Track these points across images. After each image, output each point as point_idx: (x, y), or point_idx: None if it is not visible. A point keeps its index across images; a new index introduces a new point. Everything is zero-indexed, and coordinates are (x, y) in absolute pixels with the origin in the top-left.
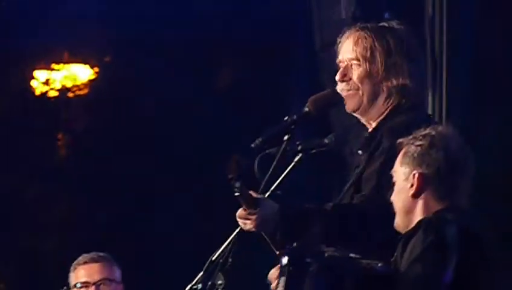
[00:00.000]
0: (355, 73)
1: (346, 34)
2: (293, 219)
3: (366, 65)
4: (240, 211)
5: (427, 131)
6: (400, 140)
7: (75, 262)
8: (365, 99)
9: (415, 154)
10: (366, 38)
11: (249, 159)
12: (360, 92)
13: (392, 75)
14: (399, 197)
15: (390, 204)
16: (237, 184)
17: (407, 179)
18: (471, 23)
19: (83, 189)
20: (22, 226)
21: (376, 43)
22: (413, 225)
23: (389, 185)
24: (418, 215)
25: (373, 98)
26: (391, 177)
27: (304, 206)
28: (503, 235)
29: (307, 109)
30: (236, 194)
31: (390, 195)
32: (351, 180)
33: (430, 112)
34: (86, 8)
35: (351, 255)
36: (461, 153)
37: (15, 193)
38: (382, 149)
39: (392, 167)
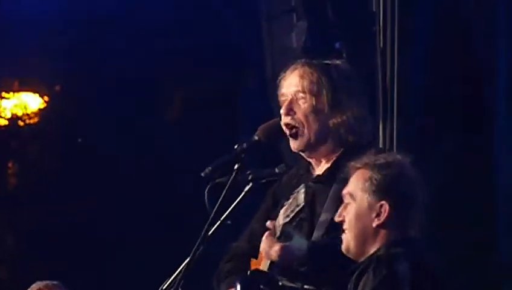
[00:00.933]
0: (301, 108)
1: (291, 68)
2: (320, 253)
3: (312, 100)
4: (268, 236)
5: (390, 159)
6: (354, 163)
7: None
8: (312, 137)
9: (383, 184)
10: (311, 74)
11: (199, 188)
12: (306, 130)
13: (338, 111)
14: (357, 224)
15: None
16: None
17: (371, 208)
18: (424, 51)
19: (32, 218)
20: None
21: (322, 79)
22: (367, 254)
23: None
24: (375, 245)
25: (320, 135)
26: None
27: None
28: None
29: (256, 138)
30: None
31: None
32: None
33: (381, 144)
34: (36, 36)
35: (306, 286)
36: (420, 185)
37: None
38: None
39: None
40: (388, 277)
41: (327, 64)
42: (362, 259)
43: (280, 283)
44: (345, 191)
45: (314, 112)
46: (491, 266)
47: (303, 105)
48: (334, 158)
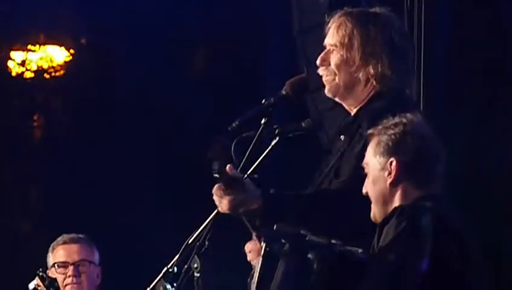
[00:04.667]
0: (334, 59)
1: (332, 19)
2: (274, 206)
3: (343, 52)
4: (217, 188)
5: (397, 120)
6: (369, 131)
7: (54, 242)
8: (342, 86)
9: (390, 143)
10: (346, 25)
11: (227, 141)
12: (337, 79)
13: (370, 63)
14: (375, 188)
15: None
16: (215, 165)
17: (383, 168)
18: (450, 13)
19: (57, 171)
20: None
21: (355, 31)
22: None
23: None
24: (396, 204)
25: (349, 85)
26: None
27: (284, 193)
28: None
29: (284, 92)
30: (215, 175)
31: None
32: (330, 164)
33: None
34: None
35: (332, 241)
36: (434, 140)
37: None
38: (361, 134)
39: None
40: (409, 228)
41: (367, 13)
42: None
43: (307, 238)
44: (364, 162)
45: (344, 64)
46: None
47: (335, 56)
48: (361, 105)
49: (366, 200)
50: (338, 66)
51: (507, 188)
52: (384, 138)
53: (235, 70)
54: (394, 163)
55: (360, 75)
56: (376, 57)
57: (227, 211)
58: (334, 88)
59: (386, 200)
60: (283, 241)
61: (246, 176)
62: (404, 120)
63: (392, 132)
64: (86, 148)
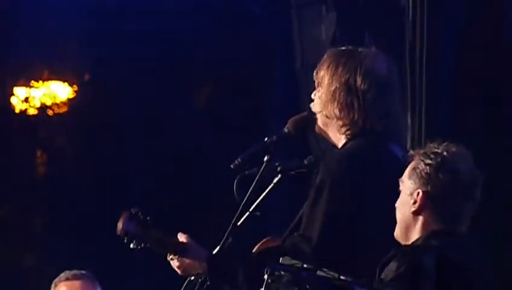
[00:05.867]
0: (316, 94)
1: (324, 56)
2: (219, 268)
3: (320, 90)
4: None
5: (440, 149)
6: (412, 152)
7: (57, 279)
8: (320, 123)
9: (423, 173)
10: (324, 65)
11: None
12: (318, 115)
13: (332, 104)
14: (401, 210)
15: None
16: (134, 243)
17: (411, 194)
18: (452, 44)
19: (61, 207)
20: None
21: (327, 71)
22: (410, 240)
23: (314, 223)
24: (416, 233)
25: (324, 125)
26: (317, 214)
27: (231, 253)
28: None
29: (286, 130)
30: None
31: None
32: (300, 212)
33: (409, 134)
34: (65, 25)
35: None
36: (469, 177)
37: None
38: (314, 185)
39: (318, 204)
40: (409, 270)
41: (344, 53)
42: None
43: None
44: (401, 178)
45: (320, 102)
46: None
47: (318, 93)
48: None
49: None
50: (315, 105)
51: None
52: (421, 165)
53: (238, 107)
54: (420, 194)
55: (329, 115)
56: (335, 98)
57: (181, 274)
58: (317, 126)
59: (407, 225)
60: (283, 273)
61: (248, 213)
62: (445, 152)
63: (428, 161)
64: (91, 184)
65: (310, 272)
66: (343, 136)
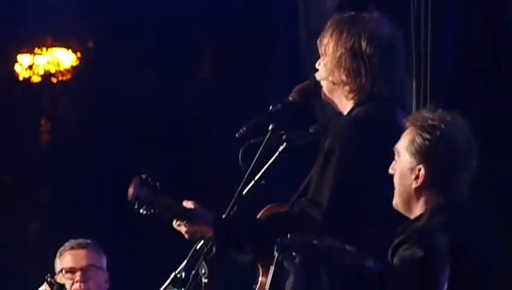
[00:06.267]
0: (321, 62)
1: (327, 24)
2: (225, 232)
3: (324, 57)
4: (174, 223)
5: (436, 121)
6: (406, 120)
7: (62, 248)
8: (326, 90)
9: (422, 148)
10: (328, 32)
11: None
12: (323, 83)
13: (339, 70)
14: (400, 182)
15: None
16: (144, 208)
17: (412, 169)
18: (456, 7)
19: (65, 175)
20: (2, 210)
21: (331, 37)
22: (414, 213)
23: (324, 189)
24: (419, 207)
25: (330, 91)
26: (327, 180)
27: (238, 220)
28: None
29: (291, 99)
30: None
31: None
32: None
33: (414, 101)
34: None
35: (347, 247)
36: (468, 147)
37: None
38: (323, 150)
39: (328, 169)
40: (427, 255)
41: (354, 19)
42: (411, 217)
43: (315, 246)
44: (395, 147)
45: (325, 70)
46: None
47: (323, 61)
48: (345, 113)
49: (312, 227)
50: (320, 73)
51: None
52: (419, 139)
53: (242, 76)
54: (422, 171)
55: (335, 81)
56: (341, 64)
57: (188, 239)
58: (322, 93)
59: (409, 200)
60: (293, 253)
61: (254, 182)
62: (442, 125)
63: (427, 136)
64: (94, 152)
65: (321, 251)
66: (351, 102)
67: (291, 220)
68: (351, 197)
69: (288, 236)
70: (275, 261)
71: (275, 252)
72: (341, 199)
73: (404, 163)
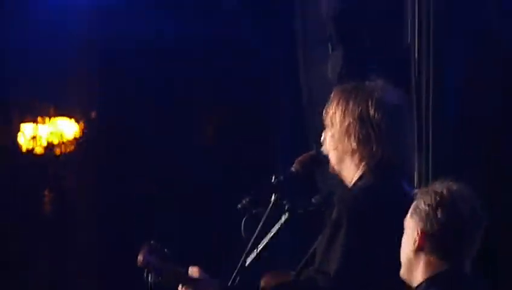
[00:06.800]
0: (327, 134)
1: (331, 95)
2: None
3: (331, 128)
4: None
5: (440, 188)
6: (416, 190)
7: None
8: (334, 160)
9: (422, 212)
10: (334, 102)
11: (236, 219)
12: (331, 154)
13: (347, 139)
14: (404, 249)
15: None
16: (152, 276)
17: (412, 235)
18: (457, 83)
19: (70, 246)
20: (7, 283)
21: (337, 107)
22: (414, 281)
23: (332, 259)
24: (419, 273)
25: (339, 160)
26: (335, 252)
27: (244, 287)
28: None
29: (294, 170)
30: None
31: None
32: (312, 248)
33: (416, 173)
34: (71, 63)
35: None
36: (469, 217)
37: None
38: (330, 221)
39: (336, 241)
40: None
41: (358, 88)
42: (413, 286)
43: None
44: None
45: (332, 140)
46: None
47: (326, 134)
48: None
49: None
50: (328, 143)
51: None
52: (421, 204)
53: (246, 148)
54: (419, 234)
55: (345, 150)
56: (351, 133)
57: None
58: (330, 167)
59: (411, 266)
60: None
61: (256, 253)
62: (445, 191)
63: (428, 200)
64: (100, 222)
65: None
66: (360, 170)
67: (299, 288)
68: (359, 268)
69: None
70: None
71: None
72: (349, 269)
73: (407, 230)
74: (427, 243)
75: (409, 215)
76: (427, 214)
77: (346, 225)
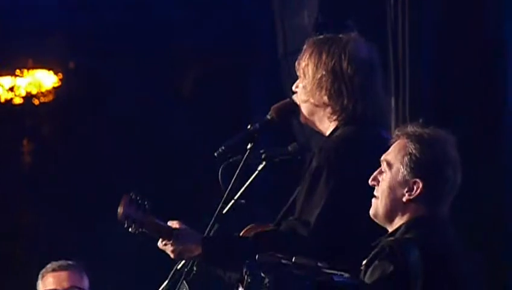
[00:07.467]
0: (299, 84)
1: (305, 45)
2: (214, 251)
3: (303, 80)
4: (159, 242)
5: (434, 136)
6: (397, 131)
7: (43, 270)
8: (305, 112)
9: (422, 162)
10: (307, 53)
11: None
12: (303, 105)
13: (320, 91)
14: (389, 193)
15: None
16: (133, 227)
17: (405, 182)
18: (433, 25)
19: (47, 197)
20: None
21: (311, 59)
22: (394, 225)
23: (312, 208)
24: (401, 219)
25: (310, 113)
26: (315, 200)
27: (226, 237)
28: None
29: (269, 117)
30: (136, 232)
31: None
32: (293, 195)
33: (393, 118)
34: (50, 13)
35: (318, 264)
36: (457, 163)
37: None
38: (309, 170)
39: (315, 189)
40: (397, 270)
41: (332, 40)
42: (390, 229)
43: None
44: (383, 157)
45: (305, 91)
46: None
47: (300, 83)
48: (327, 135)
49: (300, 246)
50: (301, 92)
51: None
52: (418, 153)
53: (221, 95)
54: (420, 186)
55: (316, 103)
56: (323, 86)
57: (174, 258)
58: (301, 115)
59: (395, 210)
60: (263, 275)
61: (233, 201)
62: (440, 139)
63: (426, 150)
64: (76, 173)
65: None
66: (333, 123)
67: (280, 237)
68: (339, 216)
69: (257, 257)
70: (244, 282)
71: (244, 273)
72: (329, 218)
73: (395, 175)
74: (423, 192)
75: (396, 158)
76: (427, 164)
77: (325, 173)
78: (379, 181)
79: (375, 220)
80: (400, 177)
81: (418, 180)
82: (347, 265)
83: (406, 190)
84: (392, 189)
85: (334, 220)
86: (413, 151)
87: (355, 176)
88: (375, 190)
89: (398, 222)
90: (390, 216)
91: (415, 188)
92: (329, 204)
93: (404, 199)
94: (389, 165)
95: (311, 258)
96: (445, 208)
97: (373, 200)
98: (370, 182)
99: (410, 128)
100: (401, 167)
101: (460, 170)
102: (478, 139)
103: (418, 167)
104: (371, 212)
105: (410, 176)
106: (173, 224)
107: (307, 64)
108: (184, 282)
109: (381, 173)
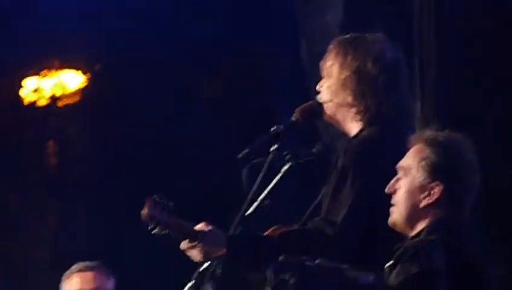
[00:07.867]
0: (324, 84)
1: (330, 45)
2: (239, 251)
3: (327, 80)
4: (183, 243)
5: (450, 139)
6: (413, 138)
7: (68, 271)
8: (330, 112)
9: (440, 166)
10: (332, 53)
11: (237, 169)
12: (327, 105)
13: (345, 92)
14: (407, 199)
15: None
16: (158, 229)
17: (424, 187)
18: (459, 27)
19: (73, 198)
20: (10, 235)
21: (336, 59)
22: (415, 230)
23: (339, 208)
24: (423, 223)
25: (336, 113)
26: (342, 201)
27: (252, 236)
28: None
29: (294, 119)
30: (160, 233)
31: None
32: (320, 195)
33: (419, 118)
34: (77, 15)
35: (343, 266)
36: (476, 165)
37: (2, 202)
38: (336, 171)
39: (342, 189)
40: (421, 271)
41: (358, 40)
42: (411, 234)
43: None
44: (399, 164)
45: (329, 90)
46: None
47: (323, 84)
48: (352, 135)
49: (328, 244)
50: (323, 95)
51: None
52: (435, 157)
53: (245, 97)
54: (439, 188)
55: (341, 103)
56: (347, 86)
57: (200, 261)
58: (325, 115)
59: (414, 216)
60: (287, 277)
61: (257, 203)
62: (457, 142)
63: (444, 153)
64: (101, 175)
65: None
66: (358, 123)
67: (306, 236)
68: (365, 216)
69: (281, 258)
70: (268, 283)
71: (268, 274)
72: (355, 218)
73: (414, 181)
74: (443, 197)
75: (413, 163)
76: (444, 167)
77: (351, 174)
78: (396, 189)
79: (395, 228)
80: (417, 182)
81: (436, 184)
82: (372, 266)
83: (424, 194)
84: (410, 194)
85: (360, 221)
86: (430, 155)
87: (381, 176)
88: (392, 199)
89: (419, 227)
90: (410, 222)
91: (433, 192)
92: (356, 205)
93: (423, 204)
94: (406, 171)
95: (336, 258)
96: (466, 210)
97: (391, 209)
98: (387, 190)
99: (425, 133)
100: (418, 171)
101: (478, 172)
102: (501, 143)
103: (435, 170)
104: (390, 221)
105: (428, 180)
106: (200, 226)
107: (332, 64)
108: (209, 283)
109: (397, 180)
